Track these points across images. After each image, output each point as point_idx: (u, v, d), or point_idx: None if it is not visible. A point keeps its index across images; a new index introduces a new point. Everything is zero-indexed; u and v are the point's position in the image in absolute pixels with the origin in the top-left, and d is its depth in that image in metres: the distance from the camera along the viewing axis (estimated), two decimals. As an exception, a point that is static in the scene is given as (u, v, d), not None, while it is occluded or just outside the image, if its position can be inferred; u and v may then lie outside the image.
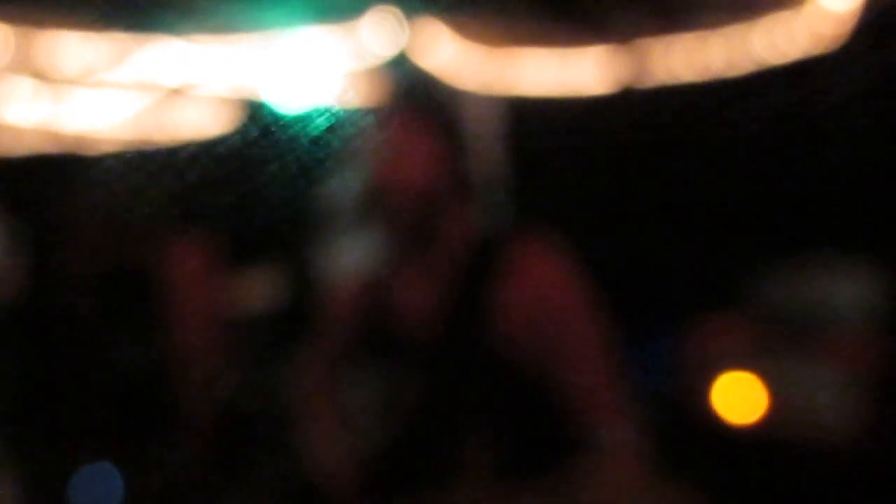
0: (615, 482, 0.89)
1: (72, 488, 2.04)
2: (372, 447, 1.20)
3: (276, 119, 2.74)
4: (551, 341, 0.98)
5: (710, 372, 1.74)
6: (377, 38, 1.94)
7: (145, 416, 2.34)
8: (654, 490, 0.96)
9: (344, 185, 1.04)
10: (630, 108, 2.46)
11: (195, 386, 2.21)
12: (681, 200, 2.48)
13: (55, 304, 3.28)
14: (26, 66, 1.80)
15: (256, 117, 2.64)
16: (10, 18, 1.72)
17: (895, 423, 1.50)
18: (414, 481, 1.08)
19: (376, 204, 1.01)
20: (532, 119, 2.62)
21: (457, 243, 1.05)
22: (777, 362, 1.68)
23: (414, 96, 1.05)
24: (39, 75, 1.84)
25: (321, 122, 2.72)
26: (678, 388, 1.81)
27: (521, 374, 1.00)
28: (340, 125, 2.88)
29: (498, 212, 1.14)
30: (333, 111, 2.77)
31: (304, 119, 2.74)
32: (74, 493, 2.05)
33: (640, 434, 1.00)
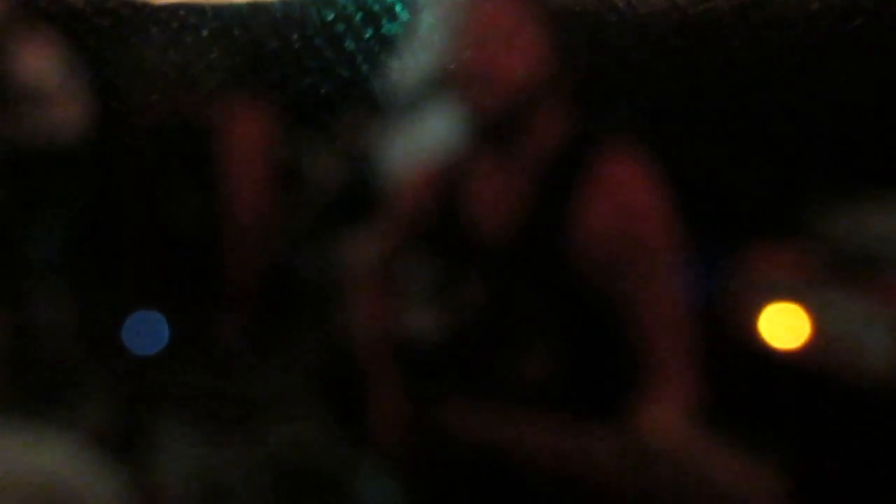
0: (670, 436, 0.88)
1: (123, 332, 2.13)
2: (424, 344, 1.20)
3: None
4: (631, 265, 0.96)
5: (760, 299, 1.73)
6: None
7: (196, 271, 2.40)
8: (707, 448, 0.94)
9: (423, 65, 0.95)
10: (707, 28, 2.33)
11: (246, 248, 2.25)
12: (751, 124, 2.39)
13: (115, 151, 3.31)
14: None
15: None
16: None
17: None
18: (461, 387, 1.08)
19: (461, 89, 0.93)
20: (613, 31, 2.49)
21: (544, 144, 1.01)
22: (827, 297, 1.66)
23: None
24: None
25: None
26: (727, 310, 1.81)
27: (594, 295, 0.98)
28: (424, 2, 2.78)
29: (584, 117, 1.08)
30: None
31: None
32: (125, 337, 2.14)
33: (701, 386, 0.98)
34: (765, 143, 2.44)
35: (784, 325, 1.68)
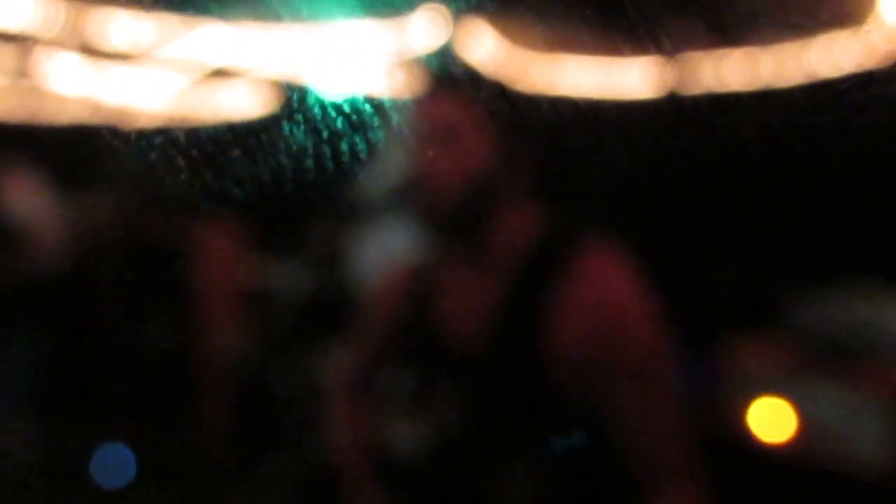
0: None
1: (91, 466, 2.04)
2: (402, 456, 1.14)
3: (318, 104, 2.72)
4: (615, 365, 0.89)
5: (746, 393, 1.70)
6: (423, 33, 1.90)
7: (165, 394, 2.32)
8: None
9: (386, 175, 0.94)
10: (676, 117, 2.40)
11: (217, 367, 2.20)
12: (722, 216, 2.43)
13: (84, 276, 3.26)
14: (75, 40, 1.79)
15: (298, 101, 2.61)
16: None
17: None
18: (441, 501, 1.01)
19: (420, 195, 0.91)
20: (573, 123, 2.57)
21: (512, 242, 0.96)
22: (811, 388, 1.64)
23: (461, 86, 0.98)
24: (87, 49, 1.82)
25: (363, 110, 2.69)
26: (714, 406, 1.78)
27: (575, 399, 0.91)
28: (383, 113, 2.85)
29: (554, 213, 1.05)
30: (377, 99, 2.74)
31: (345, 105, 2.72)
32: (93, 471, 2.06)
33: (701, 492, 0.90)
34: (739, 236, 2.47)
35: (771, 419, 1.65)
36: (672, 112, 2.39)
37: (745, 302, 1.71)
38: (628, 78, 2.51)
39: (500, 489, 0.96)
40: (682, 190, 2.53)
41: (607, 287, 0.92)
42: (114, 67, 2.11)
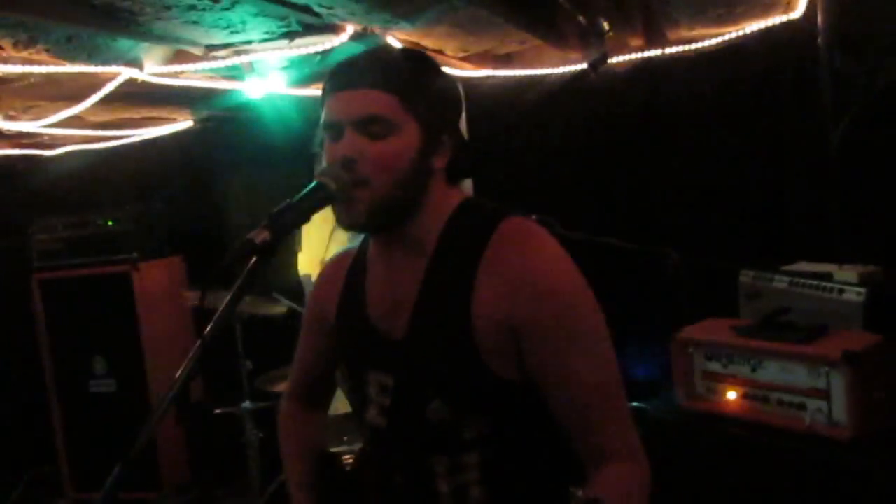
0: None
1: None
2: (346, 461, 1.12)
3: (240, 104, 2.67)
4: (547, 344, 0.86)
5: (695, 372, 1.71)
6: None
7: (117, 443, 2.21)
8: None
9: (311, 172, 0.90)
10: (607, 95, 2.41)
11: (161, 403, 2.13)
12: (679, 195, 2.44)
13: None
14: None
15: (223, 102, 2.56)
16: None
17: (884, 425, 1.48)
18: (377, 502, 0.98)
19: (340, 187, 0.87)
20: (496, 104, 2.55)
21: (432, 225, 0.92)
22: (765, 366, 1.65)
23: (378, 67, 0.89)
24: None
25: (284, 106, 2.64)
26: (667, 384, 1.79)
27: (509, 384, 0.88)
28: (301, 108, 2.79)
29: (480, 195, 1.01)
30: (294, 96, 2.69)
31: (267, 103, 2.66)
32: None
33: (644, 470, 0.87)
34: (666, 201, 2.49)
35: (723, 391, 1.66)
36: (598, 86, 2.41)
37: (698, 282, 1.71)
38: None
39: (434, 478, 0.93)
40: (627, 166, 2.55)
41: (538, 267, 0.88)
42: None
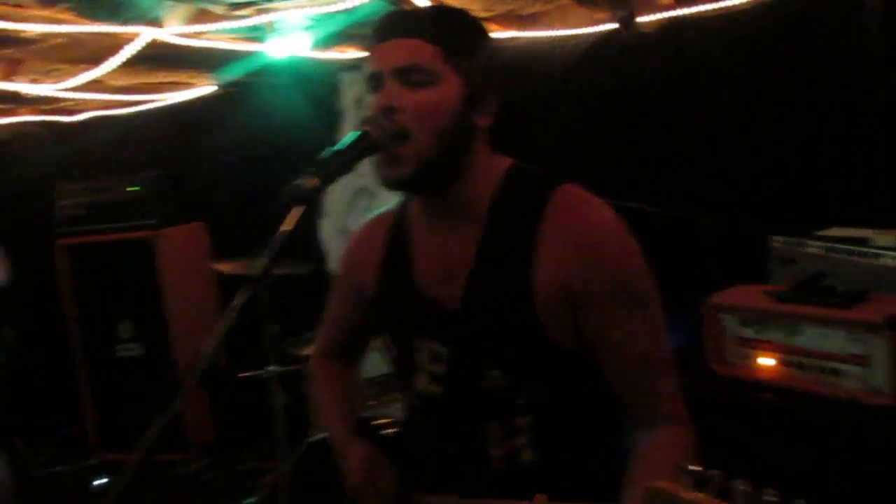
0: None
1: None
2: (395, 427, 1.10)
3: (263, 68, 2.64)
4: (606, 308, 0.85)
5: (728, 338, 1.68)
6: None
7: (144, 406, 2.24)
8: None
9: (352, 130, 0.88)
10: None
11: (190, 373, 2.14)
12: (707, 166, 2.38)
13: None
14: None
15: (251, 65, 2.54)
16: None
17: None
18: (428, 467, 0.96)
19: (381, 136, 0.85)
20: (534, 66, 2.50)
21: (481, 190, 0.90)
22: (802, 331, 1.61)
23: (423, 18, 0.88)
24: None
25: (307, 71, 2.60)
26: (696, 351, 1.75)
27: (566, 352, 0.87)
28: (323, 72, 2.74)
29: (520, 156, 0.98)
30: (317, 60, 2.65)
31: (289, 67, 2.63)
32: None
33: (692, 434, 0.88)
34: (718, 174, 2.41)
35: (756, 357, 1.63)
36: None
37: (725, 242, 1.66)
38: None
39: (487, 443, 0.92)
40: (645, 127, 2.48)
41: (589, 215, 0.88)
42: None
